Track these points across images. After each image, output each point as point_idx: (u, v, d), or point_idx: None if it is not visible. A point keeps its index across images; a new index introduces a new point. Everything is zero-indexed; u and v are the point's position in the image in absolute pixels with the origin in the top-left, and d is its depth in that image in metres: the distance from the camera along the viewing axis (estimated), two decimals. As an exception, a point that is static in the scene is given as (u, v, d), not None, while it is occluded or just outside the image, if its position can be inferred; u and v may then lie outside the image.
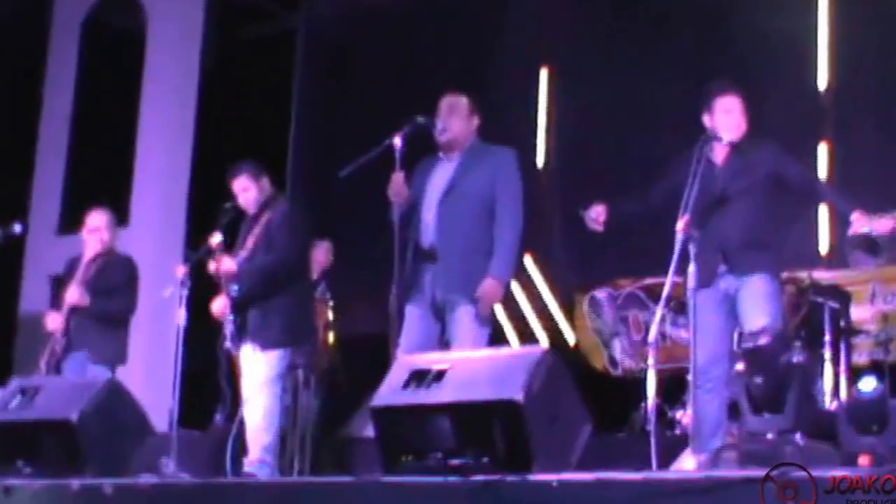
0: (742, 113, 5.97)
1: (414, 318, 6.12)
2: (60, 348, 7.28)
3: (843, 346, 7.14)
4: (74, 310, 7.31)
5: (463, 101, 6.28)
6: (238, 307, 6.65)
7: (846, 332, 7.20)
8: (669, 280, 5.36)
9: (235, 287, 6.65)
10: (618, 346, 9.40)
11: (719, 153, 5.96)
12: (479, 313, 5.99)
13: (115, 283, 7.42)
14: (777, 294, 5.90)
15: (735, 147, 5.93)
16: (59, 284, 7.77)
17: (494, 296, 6.03)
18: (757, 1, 9.77)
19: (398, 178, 6.08)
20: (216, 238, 6.72)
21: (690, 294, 5.36)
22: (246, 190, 6.84)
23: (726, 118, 5.94)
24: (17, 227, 7.66)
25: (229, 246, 6.82)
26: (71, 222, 10.18)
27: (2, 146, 11.20)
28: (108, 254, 7.54)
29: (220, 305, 6.71)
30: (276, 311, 6.67)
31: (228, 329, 6.69)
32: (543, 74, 10.80)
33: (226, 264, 6.66)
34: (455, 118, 6.22)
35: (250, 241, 6.77)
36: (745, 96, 6.04)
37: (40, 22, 11.66)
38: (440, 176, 6.21)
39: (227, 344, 6.71)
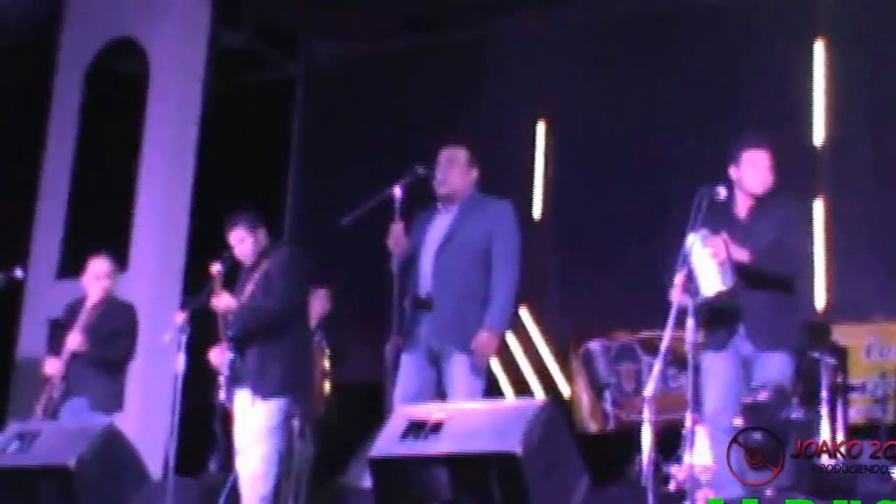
0: (769, 168, 5.93)
1: (410, 366, 6.13)
2: (58, 393, 7.25)
3: (840, 403, 7.12)
4: (74, 355, 7.30)
5: (461, 154, 6.31)
6: (236, 346, 6.63)
7: (843, 389, 7.18)
8: (668, 334, 5.37)
9: (232, 330, 6.64)
10: (608, 398, 9.41)
11: (742, 206, 5.93)
12: (473, 363, 6.00)
13: (116, 329, 7.39)
14: (793, 371, 5.82)
15: (759, 200, 5.91)
16: (58, 329, 7.75)
17: (489, 347, 6.04)
18: (753, 58, 9.85)
19: (397, 228, 6.11)
20: (216, 267, 6.71)
21: (689, 348, 5.37)
22: (242, 241, 6.81)
23: (752, 172, 5.89)
24: (18, 271, 7.64)
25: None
26: (70, 266, 10.16)
27: (3, 190, 11.19)
28: (109, 300, 7.53)
29: (218, 354, 6.69)
30: (276, 358, 6.62)
31: (224, 375, 6.65)
32: (540, 127, 10.87)
33: (224, 300, 6.65)
34: (453, 170, 6.25)
35: (249, 288, 6.75)
36: (774, 151, 5.99)
37: (44, 67, 11.70)
38: (438, 227, 6.25)
39: (222, 394, 6.67)
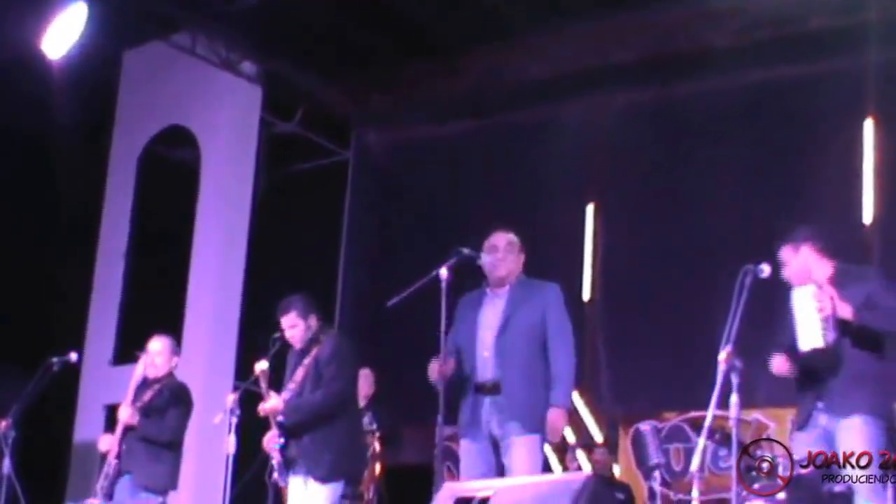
0: (793, 260, 5.90)
1: (472, 452, 6.12)
2: (113, 472, 7.30)
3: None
4: (126, 432, 7.36)
5: (516, 240, 6.38)
6: (287, 434, 6.68)
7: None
8: (711, 411, 5.35)
9: (282, 417, 6.68)
10: (657, 478, 9.35)
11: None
12: (535, 443, 6.01)
13: (167, 407, 7.44)
14: (879, 436, 5.65)
15: (834, 278, 5.82)
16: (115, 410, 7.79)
17: (560, 423, 6.07)
18: (801, 138, 9.87)
19: (437, 365, 6.07)
20: (262, 365, 6.77)
21: (733, 423, 5.35)
22: (294, 326, 6.88)
23: (784, 271, 5.91)
24: (73, 355, 7.72)
25: (277, 379, 6.87)
26: (125, 352, 10.29)
27: (60, 275, 11.37)
28: (167, 379, 7.59)
29: (269, 440, 6.74)
30: (329, 444, 6.67)
31: (276, 459, 6.70)
32: (590, 209, 10.92)
33: (272, 403, 6.70)
34: (510, 256, 6.31)
35: (299, 374, 6.80)
36: (794, 243, 5.91)
37: (99, 156, 11.93)
38: (491, 311, 6.25)
39: (275, 475, 6.71)
